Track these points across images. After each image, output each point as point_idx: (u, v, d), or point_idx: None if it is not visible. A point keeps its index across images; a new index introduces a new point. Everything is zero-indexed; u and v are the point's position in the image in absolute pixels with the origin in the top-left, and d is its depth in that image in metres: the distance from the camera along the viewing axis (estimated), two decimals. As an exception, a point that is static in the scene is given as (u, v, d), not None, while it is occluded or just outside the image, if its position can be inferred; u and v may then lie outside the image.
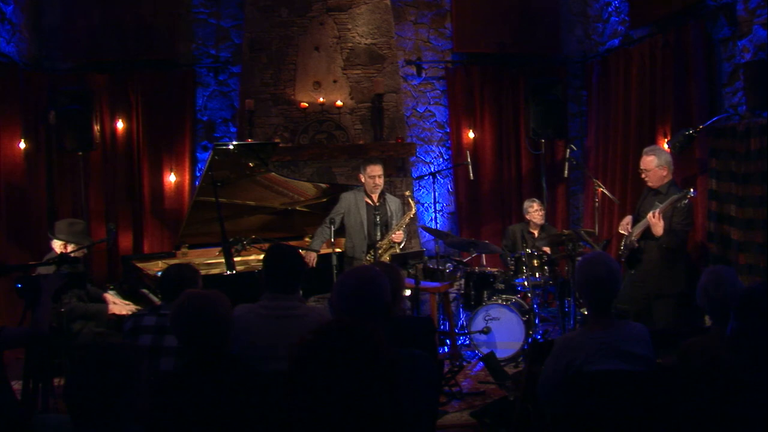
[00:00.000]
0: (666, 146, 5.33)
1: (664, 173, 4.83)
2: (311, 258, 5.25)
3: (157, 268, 5.12)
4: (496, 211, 7.32)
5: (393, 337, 1.95)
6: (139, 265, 5.27)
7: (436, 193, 6.63)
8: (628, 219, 5.05)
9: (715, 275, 2.83)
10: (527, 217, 6.19)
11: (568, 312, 5.44)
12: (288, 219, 5.72)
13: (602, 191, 5.70)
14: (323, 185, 5.65)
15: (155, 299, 4.64)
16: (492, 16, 7.24)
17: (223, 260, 4.72)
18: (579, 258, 4.58)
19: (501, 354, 5.10)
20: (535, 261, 5.57)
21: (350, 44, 6.84)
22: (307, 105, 6.68)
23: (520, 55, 7.36)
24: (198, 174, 6.85)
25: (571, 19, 7.48)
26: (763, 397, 2.09)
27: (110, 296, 4.83)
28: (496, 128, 7.31)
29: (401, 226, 5.44)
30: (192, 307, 2.44)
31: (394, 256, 5.29)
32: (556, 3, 7.41)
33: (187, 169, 6.90)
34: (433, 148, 7.46)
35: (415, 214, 5.64)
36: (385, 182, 5.60)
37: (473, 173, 6.27)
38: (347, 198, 5.51)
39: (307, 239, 5.79)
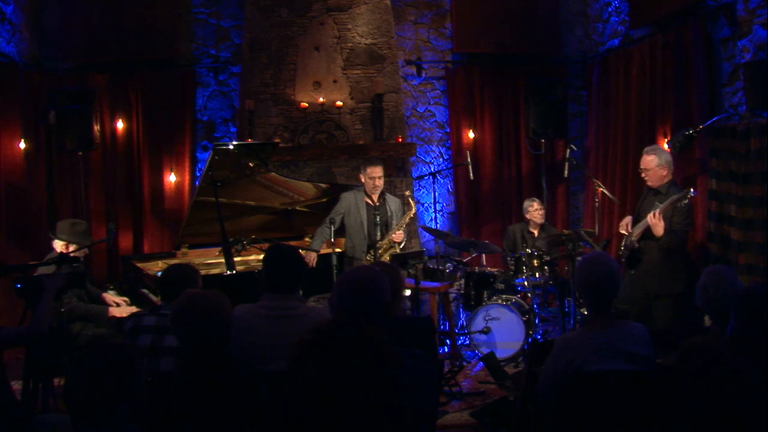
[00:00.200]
0: (666, 146, 5.33)
1: (664, 173, 4.83)
2: (311, 258, 5.25)
3: (157, 268, 5.12)
4: (496, 211, 7.32)
5: (393, 337, 1.95)
6: (139, 265, 5.27)
7: (436, 193, 6.63)
8: (628, 219, 5.05)
9: (715, 275, 2.84)
10: (527, 216, 6.19)
11: (568, 312, 5.44)
12: (288, 219, 5.72)
13: (602, 191, 5.70)
14: (323, 185, 5.64)
15: (155, 299, 4.64)
16: (492, 16, 7.24)
17: (223, 260, 4.72)
18: (579, 258, 4.58)
19: (501, 354, 5.09)
20: (535, 261, 5.57)
21: (350, 44, 6.85)
22: (307, 105, 6.68)
23: (520, 55, 7.36)
24: (198, 174, 6.85)
25: (571, 19, 7.48)
26: (763, 397, 2.09)
27: (110, 296, 4.83)
28: (496, 128, 7.31)
29: (401, 226, 5.44)
30: (192, 307, 2.44)
31: (394, 256, 5.29)
32: (556, 3, 7.41)
33: (187, 169, 6.90)
34: (433, 148, 7.46)
35: (415, 214, 5.65)
36: (385, 182, 5.60)
37: (473, 173, 6.27)
38: (347, 198, 5.51)
39: (307, 239, 5.79)
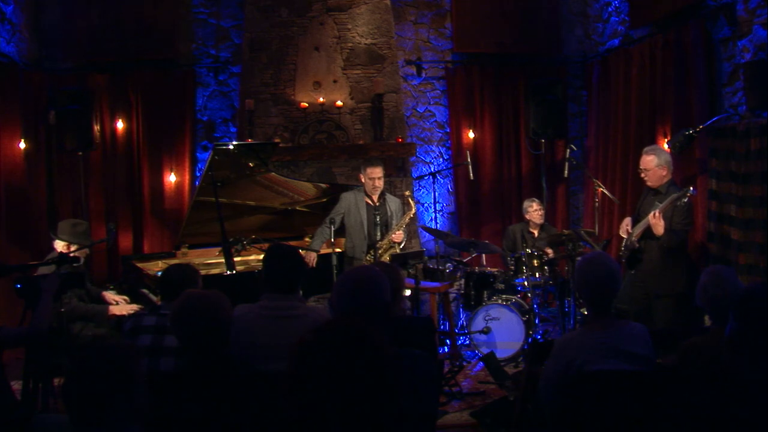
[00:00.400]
0: (666, 146, 5.33)
1: (664, 173, 4.83)
2: (311, 258, 5.25)
3: (157, 268, 5.12)
4: (496, 211, 7.32)
5: (393, 337, 1.96)
6: (139, 265, 5.27)
7: (436, 193, 6.62)
8: (628, 221, 5.05)
9: (715, 275, 2.84)
10: (527, 216, 6.19)
11: (568, 312, 5.44)
12: (288, 219, 5.72)
13: (602, 191, 5.70)
14: (323, 185, 5.65)
15: (155, 299, 4.64)
16: (492, 16, 7.24)
17: (223, 260, 4.72)
18: (579, 258, 4.58)
19: (501, 354, 5.09)
20: (535, 261, 5.57)
21: (350, 44, 6.85)
22: (307, 105, 6.68)
23: (520, 55, 7.36)
24: (198, 174, 6.85)
25: (571, 19, 7.48)
26: (763, 397, 2.09)
27: (109, 294, 4.83)
28: (496, 128, 7.31)
29: (401, 226, 5.44)
30: (192, 307, 2.44)
31: (394, 256, 5.29)
32: (556, 3, 7.41)
33: (187, 169, 6.90)
34: (433, 148, 7.46)
35: (415, 214, 5.65)
36: (385, 182, 5.60)
37: (473, 173, 6.27)
38: (347, 198, 5.51)
39: (307, 239, 5.79)
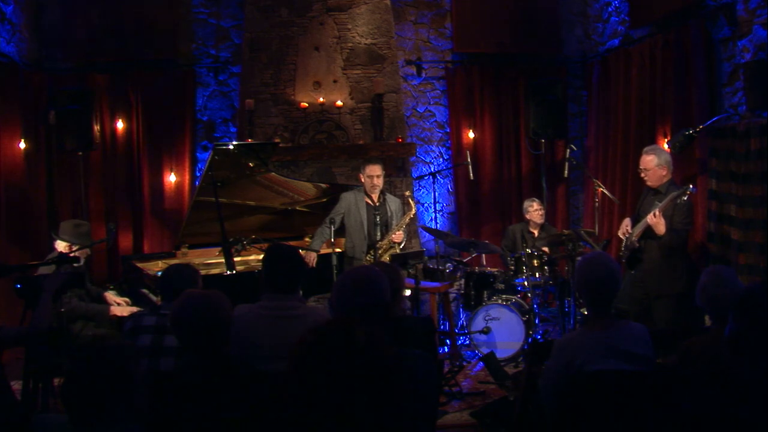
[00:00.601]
0: (666, 146, 5.33)
1: (664, 173, 4.83)
2: (311, 258, 5.25)
3: (157, 268, 5.12)
4: (496, 211, 7.32)
5: (393, 337, 1.96)
6: (139, 265, 5.27)
7: (436, 193, 6.63)
8: (627, 222, 5.05)
9: (715, 275, 2.84)
10: (527, 216, 6.19)
11: (568, 312, 5.44)
12: (288, 219, 5.72)
13: (602, 191, 5.70)
14: (323, 185, 5.64)
15: (155, 299, 4.64)
16: (492, 16, 7.24)
17: (223, 260, 4.72)
18: (579, 258, 4.58)
19: (501, 354, 5.10)
20: (535, 261, 5.57)
21: (350, 44, 6.85)
22: (307, 105, 6.68)
23: (520, 55, 7.36)
24: (198, 174, 6.85)
25: (571, 19, 7.48)
26: (763, 397, 2.09)
27: (111, 295, 4.83)
28: (496, 128, 7.31)
29: (401, 226, 5.44)
30: (192, 307, 2.44)
31: (394, 256, 5.29)
32: (556, 3, 7.41)
33: (187, 169, 6.90)
34: (433, 148, 7.46)
35: (415, 214, 5.64)
36: (385, 182, 5.60)
37: (473, 173, 6.27)
38: (347, 198, 5.51)
39: (307, 239, 5.79)
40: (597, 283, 2.72)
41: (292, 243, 4.93)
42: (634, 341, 2.67)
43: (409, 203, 5.50)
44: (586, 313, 4.87)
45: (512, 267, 5.72)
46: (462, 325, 5.84)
